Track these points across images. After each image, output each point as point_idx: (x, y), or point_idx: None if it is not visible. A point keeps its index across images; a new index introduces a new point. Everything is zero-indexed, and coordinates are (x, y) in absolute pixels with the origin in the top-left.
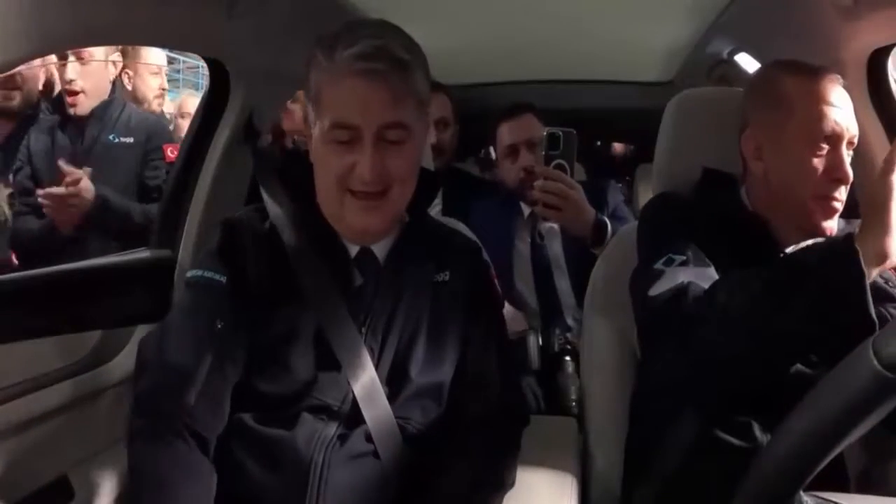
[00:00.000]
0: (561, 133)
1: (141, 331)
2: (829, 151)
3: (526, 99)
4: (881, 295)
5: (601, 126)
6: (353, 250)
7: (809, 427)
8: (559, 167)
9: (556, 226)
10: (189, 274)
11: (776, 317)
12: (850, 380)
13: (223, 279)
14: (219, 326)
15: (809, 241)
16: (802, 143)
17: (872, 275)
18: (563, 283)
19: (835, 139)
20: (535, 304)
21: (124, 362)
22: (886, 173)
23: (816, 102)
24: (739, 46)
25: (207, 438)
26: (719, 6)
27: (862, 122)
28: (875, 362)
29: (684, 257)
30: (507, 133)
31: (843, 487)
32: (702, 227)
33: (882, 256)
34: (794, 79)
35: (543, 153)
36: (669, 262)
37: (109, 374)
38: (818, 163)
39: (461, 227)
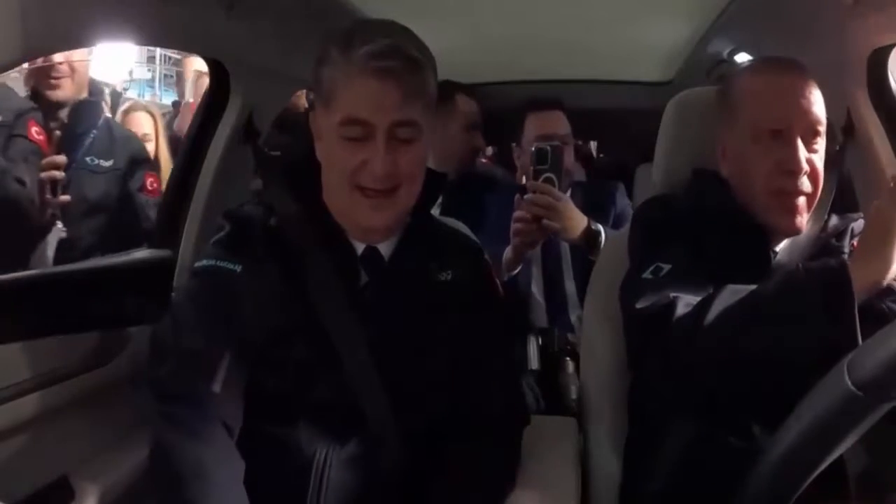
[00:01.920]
0: (549, 148)
1: (141, 331)
2: (778, 146)
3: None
4: (881, 290)
5: (601, 126)
6: (359, 248)
7: (792, 446)
8: (547, 181)
9: None
10: (200, 263)
11: (763, 337)
12: (826, 399)
13: (238, 268)
14: (236, 316)
15: (802, 236)
16: (749, 139)
17: (862, 298)
18: (569, 282)
19: (785, 133)
20: (543, 301)
21: (124, 362)
22: (889, 202)
23: (760, 99)
24: (739, 46)
25: (232, 429)
26: (719, 6)
27: (862, 120)
28: (848, 382)
29: (672, 266)
30: (536, 124)
31: (843, 487)
32: (694, 228)
33: (875, 284)
34: (741, 77)
35: (532, 168)
36: (657, 272)
37: (109, 375)
38: (768, 158)
39: (461, 227)
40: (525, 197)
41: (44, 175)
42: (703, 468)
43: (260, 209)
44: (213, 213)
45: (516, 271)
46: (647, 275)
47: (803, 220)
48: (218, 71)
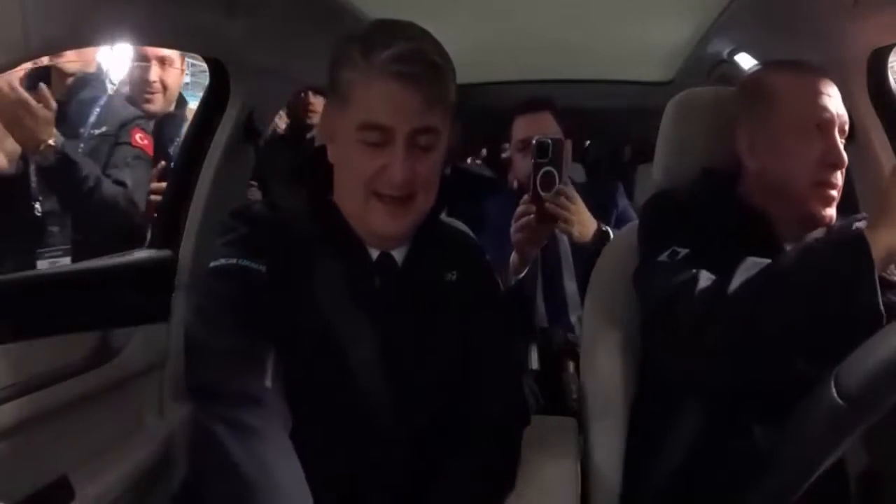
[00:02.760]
0: (550, 141)
1: (141, 331)
2: (822, 139)
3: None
4: (882, 283)
5: (601, 126)
6: (374, 254)
7: (786, 454)
8: (548, 174)
9: None
10: (219, 262)
11: (786, 307)
12: (814, 409)
13: (262, 269)
14: (264, 317)
15: (815, 234)
16: (795, 134)
17: (879, 270)
18: (570, 282)
19: (826, 126)
20: (542, 302)
21: (124, 362)
22: None
23: (804, 94)
24: (739, 46)
25: (287, 427)
26: (719, 6)
27: (862, 120)
28: (834, 392)
29: (689, 250)
30: (522, 127)
31: (843, 487)
32: (702, 225)
33: (891, 253)
34: (780, 75)
35: (533, 161)
36: (674, 255)
37: (109, 375)
38: (813, 151)
39: (461, 226)
40: (546, 206)
41: (153, 198)
42: (703, 468)
43: (268, 210)
44: (213, 213)
45: (522, 274)
46: (663, 258)
47: (834, 211)
48: (218, 71)
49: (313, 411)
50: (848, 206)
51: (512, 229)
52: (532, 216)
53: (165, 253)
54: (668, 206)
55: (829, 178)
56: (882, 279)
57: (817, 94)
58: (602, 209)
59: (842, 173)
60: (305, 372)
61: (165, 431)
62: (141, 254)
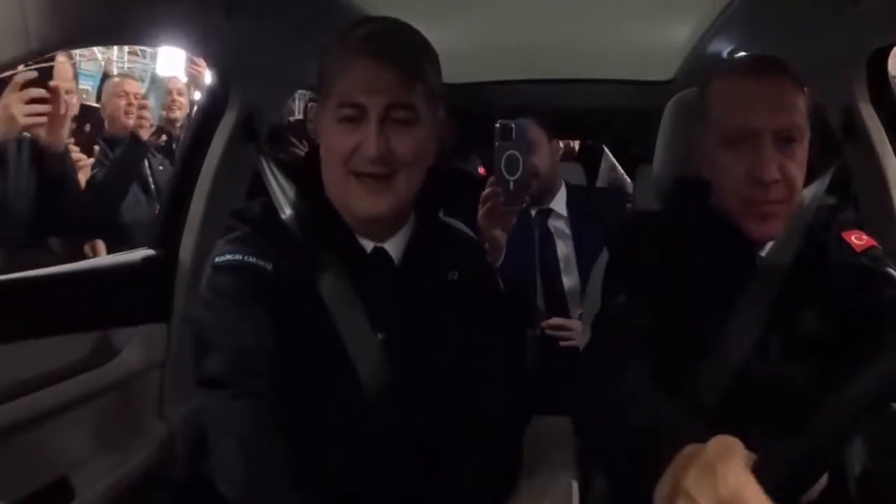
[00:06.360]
0: (513, 125)
1: (141, 331)
2: (748, 151)
3: (526, 99)
4: (884, 279)
5: (601, 126)
6: (367, 247)
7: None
8: (511, 157)
9: (565, 225)
10: (224, 258)
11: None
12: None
13: (268, 266)
14: (271, 314)
15: (789, 234)
16: (716, 143)
17: None
18: (570, 282)
19: (753, 137)
20: (542, 303)
21: (124, 362)
22: None
23: (725, 99)
24: (739, 46)
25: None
26: (719, 6)
27: (862, 121)
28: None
29: (634, 299)
30: None
31: (843, 487)
32: (670, 244)
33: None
34: (716, 80)
35: (496, 143)
36: (617, 308)
37: (109, 375)
38: (738, 165)
39: (462, 227)
40: (547, 332)
41: None
42: None
43: (269, 209)
44: (213, 213)
45: (500, 262)
46: (612, 308)
47: (776, 225)
48: (218, 71)
49: (314, 410)
50: (847, 206)
51: (479, 214)
52: (499, 200)
53: (165, 253)
54: (634, 238)
55: (756, 196)
56: (885, 275)
57: (745, 98)
58: (609, 220)
59: (786, 186)
60: (308, 370)
61: (165, 431)
62: (141, 254)
